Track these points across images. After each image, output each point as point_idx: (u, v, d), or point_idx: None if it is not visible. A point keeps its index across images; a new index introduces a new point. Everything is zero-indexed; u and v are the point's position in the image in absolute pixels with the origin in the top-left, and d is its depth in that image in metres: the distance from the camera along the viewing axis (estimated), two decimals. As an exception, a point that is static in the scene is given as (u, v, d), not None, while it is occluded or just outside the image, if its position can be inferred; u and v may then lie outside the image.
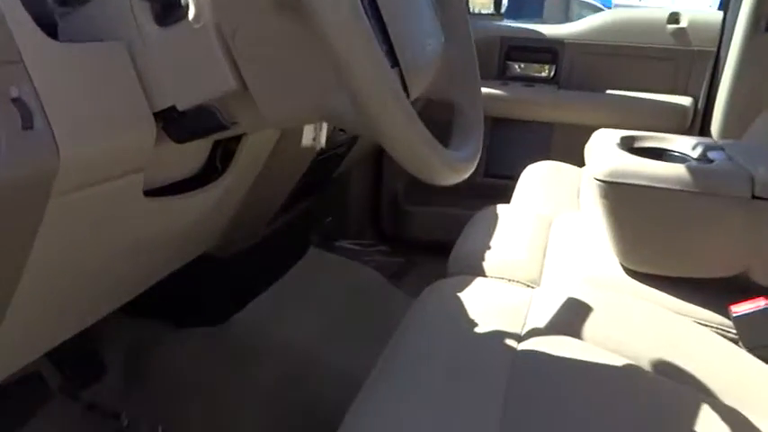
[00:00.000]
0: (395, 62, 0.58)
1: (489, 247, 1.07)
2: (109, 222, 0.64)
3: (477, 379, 0.71)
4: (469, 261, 1.04)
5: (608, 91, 1.85)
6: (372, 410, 0.65)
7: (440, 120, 0.78)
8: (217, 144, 0.83)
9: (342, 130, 1.14)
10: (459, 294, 0.91)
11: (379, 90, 0.47)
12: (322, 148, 1.08)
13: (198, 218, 0.82)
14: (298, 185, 1.15)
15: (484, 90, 1.67)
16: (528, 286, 0.98)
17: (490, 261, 1.03)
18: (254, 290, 1.24)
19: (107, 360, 1.14)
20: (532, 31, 1.94)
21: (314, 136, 0.83)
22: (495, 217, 1.24)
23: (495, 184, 1.96)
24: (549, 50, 1.91)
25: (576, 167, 1.60)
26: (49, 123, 0.48)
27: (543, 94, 1.90)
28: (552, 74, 1.92)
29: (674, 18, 1.81)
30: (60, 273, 0.63)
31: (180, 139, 0.63)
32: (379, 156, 2.08)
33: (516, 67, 1.95)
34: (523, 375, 0.73)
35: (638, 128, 1.17)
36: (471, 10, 2.10)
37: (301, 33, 0.50)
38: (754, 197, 0.87)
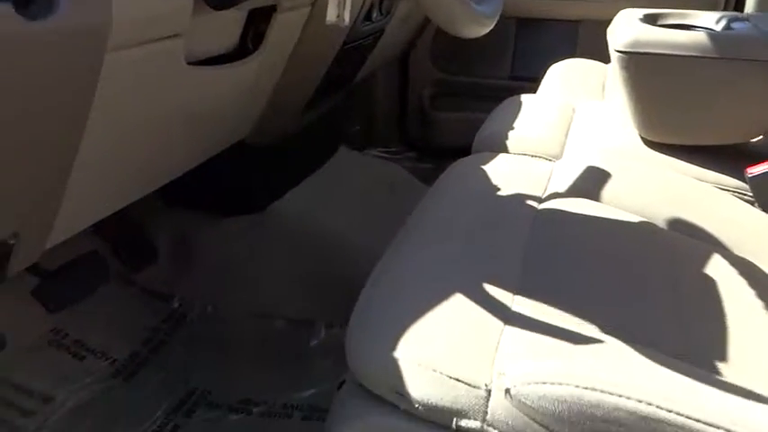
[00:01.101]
0: None
1: (513, 128, 1.10)
2: (155, 87, 0.69)
3: (500, 231, 0.76)
4: (493, 140, 1.08)
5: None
6: (401, 256, 0.72)
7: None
8: (248, 26, 0.87)
9: (368, 18, 1.17)
10: (482, 167, 0.96)
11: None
12: (347, 41, 1.11)
13: (235, 94, 0.88)
14: (327, 78, 1.19)
15: None
16: (549, 160, 1.02)
17: (513, 139, 1.07)
18: (289, 182, 1.31)
19: (158, 247, 1.23)
20: None
21: (338, 13, 0.86)
22: (520, 104, 1.27)
23: (520, 87, 1.96)
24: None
25: (602, 63, 1.60)
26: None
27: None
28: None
29: None
30: (115, 135, 0.69)
31: (217, 5, 0.67)
32: (404, 63, 2.09)
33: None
34: (544, 228, 0.78)
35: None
36: None
37: None
38: (772, 60, 0.88)
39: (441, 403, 0.54)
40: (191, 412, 1.00)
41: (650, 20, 1.07)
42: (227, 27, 0.81)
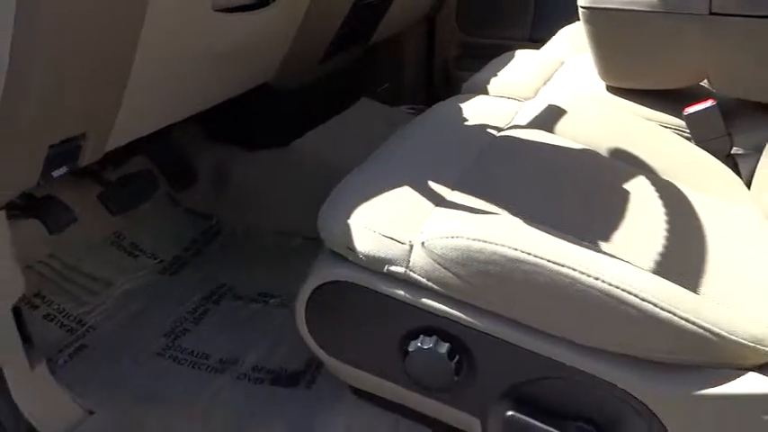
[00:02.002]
0: None
1: (496, 75, 1.28)
2: (187, 28, 0.91)
3: (455, 148, 0.95)
4: (476, 84, 1.26)
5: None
6: (368, 164, 0.92)
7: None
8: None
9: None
10: (458, 106, 1.14)
11: None
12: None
13: (255, 39, 1.09)
14: (342, 32, 1.38)
15: None
16: (520, 101, 1.19)
17: (493, 84, 1.24)
18: (309, 123, 1.52)
19: (199, 173, 1.47)
20: None
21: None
22: (513, 57, 1.43)
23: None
24: None
25: None
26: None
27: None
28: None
29: None
30: (158, 64, 0.91)
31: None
32: (431, 25, 2.25)
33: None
34: (494, 149, 0.97)
35: None
36: None
37: None
38: (711, 13, 1.02)
39: (377, 254, 0.74)
40: (219, 301, 1.24)
41: None
42: (248, -19, 1.02)
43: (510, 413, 0.74)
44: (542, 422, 0.72)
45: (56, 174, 0.86)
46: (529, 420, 0.73)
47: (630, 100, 1.15)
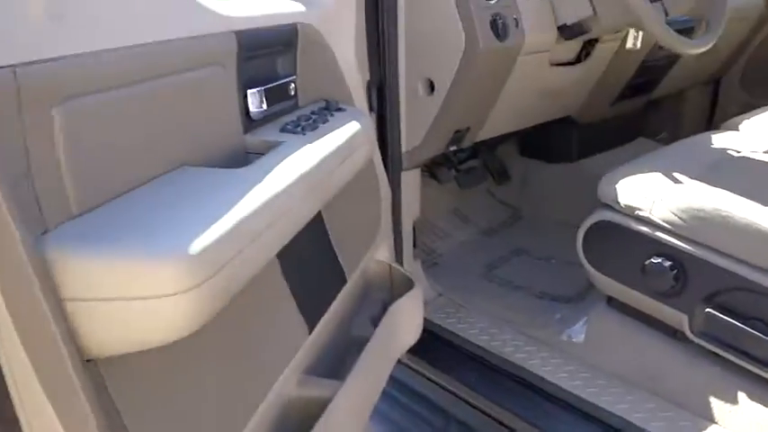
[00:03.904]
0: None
1: (751, 118, 1.68)
2: (536, 75, 1.55)
3: (696, 156, 1.42)
4: (735, 123, 1.68)
5: None
6: None
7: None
8: (583, 46, 1.67)
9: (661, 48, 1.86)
10: (712, 135, 1.59)
11: (643, 12, 1.26)
12: (648, 58, 1.82)
13: (570, 84, 1.69)
14: (630, 85, 1.91)
15: None
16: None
17: (747, 123, 1.66)
18: (595, 149, 2.07)
19: (511, 176, 2.12)
20: None
21: (633, 42, 1.60)
22: None
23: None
24: None
25: None
26: (524, 30, 1.39)
27: None
28: None
29: None
30: (515, 94, 1.56)
31: (567, 38, 1.50)
32: (716, 85, 2.61)
33: None
34: (726, 160, 1.41)
35: None
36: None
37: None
38: None
39: (631, 204, 1.27)
40: (518, 256, 1.85)
41: None
42: (571, 47, 1.63)
43: (708, 310, 1.19)
44: (732, 318, 1.16)
45: (450, 149, 1.56)
46: (719, 315, 1.17)
47: None
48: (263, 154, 0.80)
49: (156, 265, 0.52)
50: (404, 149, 1.47)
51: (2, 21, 0.50)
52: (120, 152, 0.61)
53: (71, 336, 0.51)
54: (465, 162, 2.03)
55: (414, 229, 1.60)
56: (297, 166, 0.76)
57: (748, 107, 2.56)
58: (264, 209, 0.66)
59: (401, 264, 1.56)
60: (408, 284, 1.35)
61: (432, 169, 1.80)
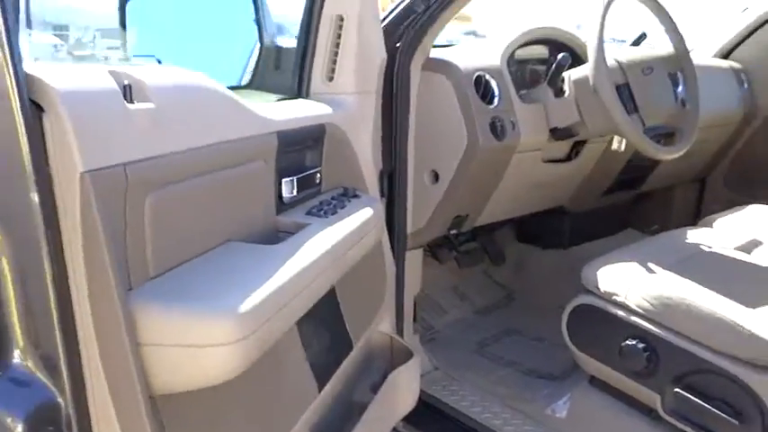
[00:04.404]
0: (635, 110, 1.54)
1: (727, 216, 1.85)
2: (530, 171, 1.73)
3: (672, 249, 1.58)
4: (712, 221, 1.85)
5: None
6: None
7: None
8: (573, 146, 1.86)
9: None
10: (688, 231, 1.75)
11: (621, 122, 1.46)
12: (634, 158, 2.01)
13: (561, 178, 1.87)
14: (616, 182, 2.10)
15: None
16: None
17: (722, 222, 1.82)
18: (586, 237, 2.23)
19: (506, 258, 2.28)
20: None
21: (618, 145, 1.79)
22: (757, 209, 1.97)
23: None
24: None
25: None
26: (519, 132, 1.59)
27: None
28: None
29: None
30: (509, 185, 1.74)
31: (558, 138, 1.69)
32: (702, 183, 2.80)
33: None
34: (696, 255, 1.57)
35: None
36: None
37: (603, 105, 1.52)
38: None
39: (610, 291, 1.42)
40: (509, 335, 1.98)
41: None
42: (562, 146, 1.82)
43: (677, 390, 1.32)
44: (699, 399, 1.29)
45: (451, 232, 1.73)
46: (688, 395, 1.30)
47: None
48: (291, 233, 0.97)
49: (213, 320, 0.67)
50: (409, 230, 1.63)
51: (116, 127, 0.67)
52: (187, 229, 0.78)
53: (145, 374, 0.65)
54: (464, 244, 2.18)
55: (414, 304, 1.74)
56: (320, 246, 0.92)
57: (731, 204, 2.74)
58: (294, 281, 0.81)
59: (401, 336, 1.69)
60: (407, 355, 1.48)
61: (433, 249, 1.96)
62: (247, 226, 0.92)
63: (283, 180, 1.02)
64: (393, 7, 1.50)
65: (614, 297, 1.42)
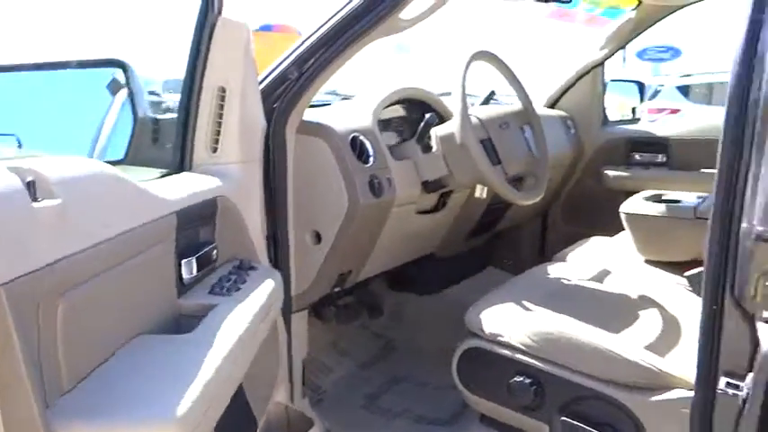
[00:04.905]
0: (498, 162, 1.68)
1: (575, 251, 2.05)
2: (406, 223, 1.80)
3: (540, 286, 1.72)
4: (563, 256, 2.04)
5: (702, 170, 2.69)
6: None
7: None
8: (440, 197, 1.97)
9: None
10: (548, 267, 1.92)
11: (488, 173, 1.58)
12: (492, 202, 2.17)
13: (431, 228, 1.97)
14: (480, 223, 2.25)
15: (614, 172, 2.66)
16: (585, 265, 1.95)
17: (573, 255, 2.02)
18: (457, 279, 2.35)
19: (384, 308, 2.32)
20: (647, 132, 2.86)
21: (481, 193, 1.93)
22: (590, 241, 2.20)
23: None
24: (660, 144, 2.80)
25: None
26: (395, 188, 1.65)
27: (656, 174, 2.78)
28: (664, 159, 2.80)
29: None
30: (388, 239, 1.79)
31: (428, 191, 1.79)
32: (544, 218, 3.08)
33: (637, 156, 2.86)
34: (560, 288, 1.72)
35: None
36: (613, 118, 3.07)
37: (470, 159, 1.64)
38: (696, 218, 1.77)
39: (495, 332, 1.51)
40: (396, 383, 2.01)
41: (655, 197, 2.00)
42: (431, 198, 1.92)
43: (564, 419, 1.42)
44: (583, 424, 1.40)
45: (335, 290, 1.74)
46: (573, 422, 1.41)
47: (659, 268, 1.87)
48: (197, 316, 0.92)
49: (155, 429, 0.62)
50: (294, 293, 1.62)
51: (24, 230, 0.61)
52: (99, 330, 0.71)
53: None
54: (341, 299, 2.20)
55: (303, 367, 1.71)
56: (233, 329, 0.89)
57: (570, 236, 3.04)
58: (219, 372, 0.78)
59: (292, 402, 1.65)
60: (306, 423, 1.45)
61: (315, 308, 1.95)
62: (153, 315, 0.86)
63: (183, 261, 0.97)
64: (266, 73, 1.51)
65: (499, 338, 1.51)
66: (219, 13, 1.20)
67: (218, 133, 1.22)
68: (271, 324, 1.16)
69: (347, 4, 1.40)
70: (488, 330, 1.52)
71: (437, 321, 2.23)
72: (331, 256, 1.62)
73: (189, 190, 1.04)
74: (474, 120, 1.72)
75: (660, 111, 7.44)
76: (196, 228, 1.04)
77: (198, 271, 1.02)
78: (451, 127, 1.68)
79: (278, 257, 1.53)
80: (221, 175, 1.19)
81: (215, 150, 1.22)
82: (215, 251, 1.09)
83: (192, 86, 1.18)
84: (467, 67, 1.66)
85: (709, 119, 2.78)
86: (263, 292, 1.06)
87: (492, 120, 1.79)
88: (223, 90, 1.20)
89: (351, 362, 2.14)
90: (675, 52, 15.75)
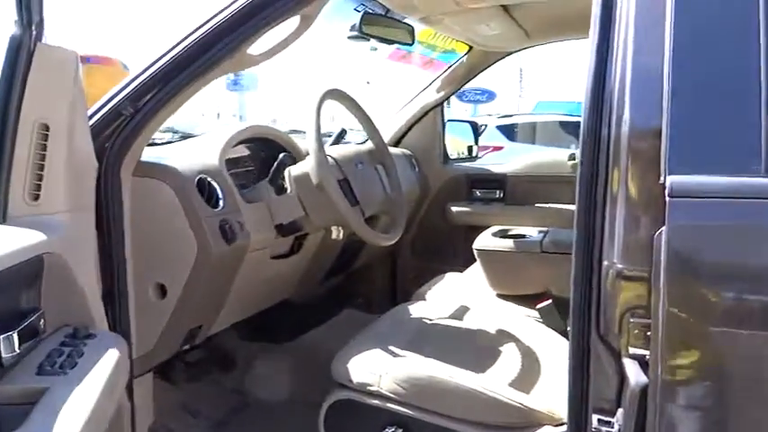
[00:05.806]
0: (356, 202, 1.63)
1: (432, 289, 2.06)
2: (259, 267, 1.68)
3: (404, 328, 1.68)
4: (421, 295, 2.03)
5: (536, 204, 2.86)
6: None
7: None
8: (295, 240, 1.88)
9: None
10: (409, 307, 1.90)
11: (347, 214, 1.52)
12: (347, 242, 2.11)
13: (287, 271, 1.86)
14: (335, 263, 2.18)
15: (457, 208, 2.73)
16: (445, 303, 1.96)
17: (431, 293, 2.02)
18: (314, 324, 2.25)
19: (237, 361, 2.15)
20: (485, 169, 3.00)
21: (337, 234, 1.87)
22: (444, 277, 2.23)
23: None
24: (497, 181, 2.95)
25: None
26: (248, 232, 1.53)
27: (495, 209, 2.92)
28: (500, 195, 2.94)
29: (572, 156, 2.85)
30: (242, 287, 1.66)
31: (283, 234, 1.69)
32: (394, 257, 3.09)
33: (477, 192, 2.99)
34: (425, 329, 1.70)
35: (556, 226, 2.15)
36: (452, 156, 3.19)
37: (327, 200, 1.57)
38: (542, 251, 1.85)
39: (363, 382, 1.43)
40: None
41: (501, 232, 2.07)
42: (286, 241, 1.82)
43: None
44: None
45: (184, 348, 1.56)
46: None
47: (511, 302, 1.93)
48: (20, 404, 0.74)
49: None
50: (135, 356, 1.42)
51: None
52: None
53: None
54: (189, 354, 2.00)
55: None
56: (73, 418, 0.72)
57: (420, 270, 3.09)
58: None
59: (138, 479, 1.44)
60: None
61: (162, 369, 1.74)
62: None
63: (0, 337, 0.78)
64: (95, 109, 1.33)
65: (368, 388, 1.43)
66: (39, 38, 1.03)
67: (41, 178, 1.03)
68: (117, 401, 0.98)
69: (193, 32, 1.28)
70: (356, 380, 1.45)
71: (296, 371, 2.11)
72: (179, 310, 1.45)
73: (7, 248, 0.85)
74: (330, 160, 1.66)
75: (485, 148, 8.12)
76: (15, 293, 0.86)
77: (20, 347, 0.83)
78: (306, 167, 1.60)
79: (116, 318, 1.33)
80: (45, 227, 1.00)
81: (36, 198, 1.03)
82: (42, 320, 0.91)
83: (4, 124, 0.99)
84: (320, 105, 1.60)
85: (539, 157, 2.99)
86: (106, 364, 0.89)
87: (347, 159, 1.74)
88: (46, 128, 1.02)
89: (204, 423, 1.93)
90: (490, 95, 17.30)
